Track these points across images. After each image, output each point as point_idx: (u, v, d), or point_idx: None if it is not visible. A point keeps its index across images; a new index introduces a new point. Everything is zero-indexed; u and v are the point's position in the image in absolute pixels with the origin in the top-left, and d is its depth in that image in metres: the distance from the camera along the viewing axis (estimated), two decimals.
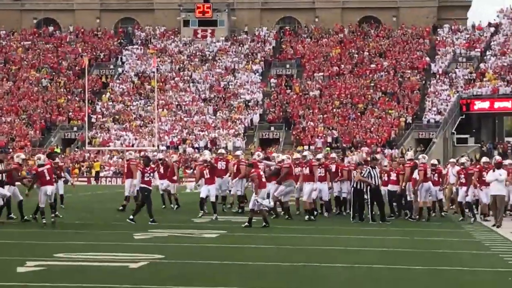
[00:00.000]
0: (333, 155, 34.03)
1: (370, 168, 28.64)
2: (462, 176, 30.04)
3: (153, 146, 74.37)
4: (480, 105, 78.18)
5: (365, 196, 28.74)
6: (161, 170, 33.39)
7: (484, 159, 31.92)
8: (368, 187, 28.29)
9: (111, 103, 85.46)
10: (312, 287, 14.50)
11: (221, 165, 31.37)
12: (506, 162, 31.37)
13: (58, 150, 72.52)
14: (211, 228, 25.17)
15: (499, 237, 23.94)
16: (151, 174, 26.96)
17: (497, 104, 77.76)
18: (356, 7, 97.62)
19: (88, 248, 19.73)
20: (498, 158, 30.49)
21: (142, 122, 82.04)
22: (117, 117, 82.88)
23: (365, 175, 28.51)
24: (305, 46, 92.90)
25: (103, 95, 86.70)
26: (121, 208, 32.11)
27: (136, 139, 78.99)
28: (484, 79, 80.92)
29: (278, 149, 72.49)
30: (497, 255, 19.48)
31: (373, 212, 28.23)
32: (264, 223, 25.21)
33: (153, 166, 28.15)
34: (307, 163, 29.11)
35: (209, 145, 74.22)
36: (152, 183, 27.28)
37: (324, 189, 29.35)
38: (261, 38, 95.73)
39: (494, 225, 27.30)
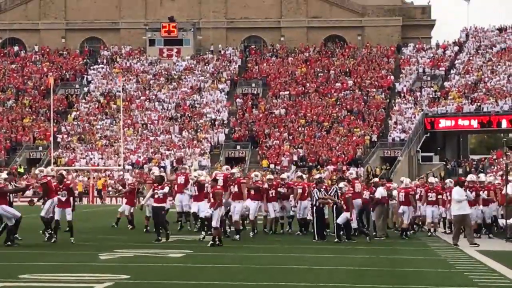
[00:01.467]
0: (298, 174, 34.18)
1: (337, 187, 28.74)
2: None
3: (119, 165, 74.23)
4: (445, 123, 78.59)
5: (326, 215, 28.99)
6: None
7: (449, 181, 32.44)
8: (335, 206, 28.33)
9: (76, 122, 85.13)
10: None
11: (180, 180, 31.41)
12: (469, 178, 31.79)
13: (22, 170, 72.08)
14: (177, 247, 25.09)
15: (464, 255, 24.05)
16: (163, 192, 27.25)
17: (462, 122, 78.19)
18: (321, 26, 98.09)
19: (53, 269, 19.59)
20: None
21: (108, 141, 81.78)
22: (82, 136, 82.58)
23: (331, 194, 28.58)
24: (271, 65, 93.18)
25: (69, 115, 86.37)
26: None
27: (101, 158, 78.71)
28: (449, 97, 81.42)
29: (244, 168, 72.57)
30: (462, 273, 19.55)
31: (340, 231, 28.26)
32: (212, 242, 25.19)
33: (166, 183, 28.13)
34: (234, 181, 29.07)
35: (175, 164, 74.01)
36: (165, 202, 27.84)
37: (252, 207, 29.39)
38: (227, 57, 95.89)
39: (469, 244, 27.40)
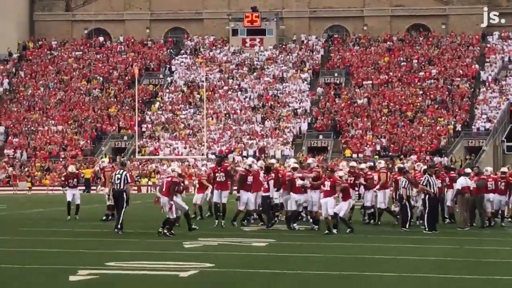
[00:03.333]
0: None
1: (428, 176, 28.28)
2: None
3: (202, 155, 74.65)
4: None
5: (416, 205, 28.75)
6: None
7: None
8: (427, 196, 27.97)
9: (160, 112, 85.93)
10: None
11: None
12: None
13: (107, 159, 73.11)
14: (260, 236, 25.21)
15: None
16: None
17: None
18: (404, 15, 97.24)
19: (138, 256, 19.87)
20: None
21: (191, 131, 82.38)
22: (166, 126, 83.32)
23: (424, 183, 28.20)
24: (354, 54, 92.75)
25: (153, 105, 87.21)
26: (104, 218, 31.45)
27: (185, 148, 79.32)
28: None
29: (327, 157, 72.54)
30: None
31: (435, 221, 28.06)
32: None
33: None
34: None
35: (257, 154, 74.22)
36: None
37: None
38: (310, 47, 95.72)
39: None
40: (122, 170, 27.08)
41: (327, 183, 26.57)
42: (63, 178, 35.03)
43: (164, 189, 25.44)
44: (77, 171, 37.48)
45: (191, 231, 25.52)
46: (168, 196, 25.13)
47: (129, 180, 27.34)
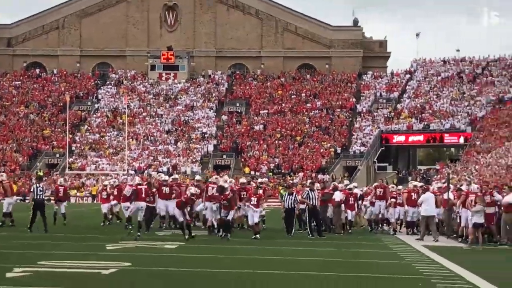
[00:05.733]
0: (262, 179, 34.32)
1: (309, 190, 28.74)
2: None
3: (123, 170, 74.01)
4: (397, 139, 78.79)
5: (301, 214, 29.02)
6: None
7: (414, 183, 32.66)
8: (307, 207, 28.34)
9: (88, 134, 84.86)
10: None
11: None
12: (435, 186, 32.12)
13: (41, 173, 71.74)
14: (172, 240, 25.05)
15: (412, 249, 24.13)
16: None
17: (411, 138, 78.45)
18: (295, 56, 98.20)
19: (66, 257, 19.52)
20: (420, 184, 31.45)
21: (114, 150, 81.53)
22: (93, 146, 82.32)
23: (304, 196, 28.60)
24: (252, 88, 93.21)
25: (82, 127, 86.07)
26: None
27: (109, 164, 78.48)
28: (401, 117, 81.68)
29: (229, 174, 72.54)
30: (410, 264, 19.61)
31: (311, 228, 28.33)
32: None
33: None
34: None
35: (170, 170, 73.83)
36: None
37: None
38: (216, 81, 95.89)
39: (418, 239, 27.63)
40: (41, 183, 27.71)
41: (254, 198, 27.16)
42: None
43: (143, 195, 25.75)
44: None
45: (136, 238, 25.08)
46: (145, 201, 25.54)
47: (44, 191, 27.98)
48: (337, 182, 36.03)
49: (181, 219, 25.44)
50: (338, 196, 30.49)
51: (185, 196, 26.30)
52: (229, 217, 26.37)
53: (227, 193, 26.70)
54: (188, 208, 25.68)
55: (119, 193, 32.11)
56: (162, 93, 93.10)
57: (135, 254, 20.49)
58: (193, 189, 26.38)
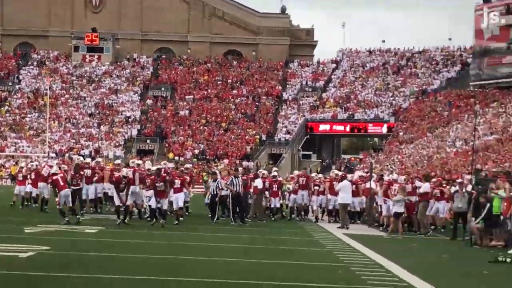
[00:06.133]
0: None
1: (233, 177, 28.77)
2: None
3: (44, 153, 72.93)
4: (322, 128, 79.45)
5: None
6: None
7: (335, 172, 33.03)
8: (230, 193, 28.37)
9: (8, 115, 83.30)
10: (177, 276, 14.44)
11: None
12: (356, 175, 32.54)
13: None
14: (92, 224, 24.80)
15: (334, 237, 24.40)
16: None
17: (336, 127, 79.21)
18: (222, 42, 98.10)
19: None
20: (341, 173, 31.79)
21: (35, 132, 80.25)
22: (13, 127, 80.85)
23: (228, 183, 28.60)
24: (178, 72, 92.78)
25: (2, 108, 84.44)
26: None
27: (29, 146, 77.20)
28: (326, 106, 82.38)
29: (152, 159, 72.09)
30: (331, 252, 19.83)
31: (235, 215, 28.39)
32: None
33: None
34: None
35: (93, 154, 73.05)
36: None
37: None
38: (141, 64, 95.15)
39: (340, 227, 27.94)
40: None
41: (177, 181, 26.82)
42: None
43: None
44: None
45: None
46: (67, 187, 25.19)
47: None
48: (263, 169, 36.07)
49: (117, 202, 25.30)
50: (259, 183, 30.59)
51: (117, 177, 26.11)
52: (164, 206, 25.96)
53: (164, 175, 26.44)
54: (125, 192, 25.37)
55: (37, 177, 31.81)
56: (85, 75, 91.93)
57: (54, 238, 20.23)
58: (125, 171, 26.08)
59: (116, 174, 26.96)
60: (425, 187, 27.62)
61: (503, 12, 70.30)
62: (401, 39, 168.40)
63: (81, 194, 28.79)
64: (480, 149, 52.62)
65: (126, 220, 25.04)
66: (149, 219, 26.36)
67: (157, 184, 25.60)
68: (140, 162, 29.57)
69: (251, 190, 30.55)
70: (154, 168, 27.91)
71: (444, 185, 29.59)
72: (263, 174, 32.72)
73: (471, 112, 62.34)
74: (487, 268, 17.60)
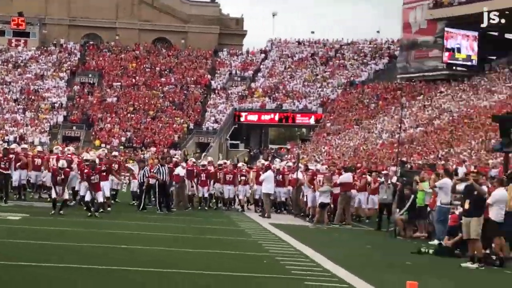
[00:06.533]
0: None
1: (160, 165, 28.67)
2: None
3: None
4: (250, 117, 79.63)
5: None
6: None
7: (261, 161, 33.16)
8: (157, 182, 28.24)
9: None
10: (99, 264, 14.27)
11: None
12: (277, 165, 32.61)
13: None
14: (16, 211, 24.36)
15: (260, 227, 24.48)
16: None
17: (264, 117, 79.49)
18: (151, 29, 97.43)
19: None
20: (266, 163, 31.92)
21: None
22: None
23: (154, 172, 28.45)
24: (106, 59, 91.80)
25: None
26: None
27: None
28: (255, 96, 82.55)
29: (79, 146, 71.22)
30: (256, 241, 19.87)
31: (162, 204, 28.25)
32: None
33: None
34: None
35: (18, 140, 71.80)
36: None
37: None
38: (68, 50, 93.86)
39: (261, 215, 28.08)
40: None
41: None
42: None
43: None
44: None
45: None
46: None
47: None
48: (190, 157, 36.00)
49: (53, 195, 24.81)
50: (181, 171, 30.40)
51: (54, 168, 25.69)
52: (100, 199, 25.44)
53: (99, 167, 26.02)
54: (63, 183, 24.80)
55: None
56: (11, 60, 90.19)
57: None
58: (61, 162, 25.56)
59: (53, 165, 26.54)
60: (345, 177, 27.62)
61: (431, 6, 71.39)
62: (330, 31, 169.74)
63: (9, 179, 28.20)
64: (406, 142, 53.47)
65: (61, 211, 24.49)
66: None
67: (91, 177, 25.16)
68: (72, 148, 29.16)
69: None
70: (90, 157, 27.54)
71: (366, 176, 29.98)
72: (194, 163, 32.67)
73: (398, 104, 63.20)
74: (410, 259, 17.88)
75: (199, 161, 36.87)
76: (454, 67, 72.16)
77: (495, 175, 26.72)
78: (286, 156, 65.38)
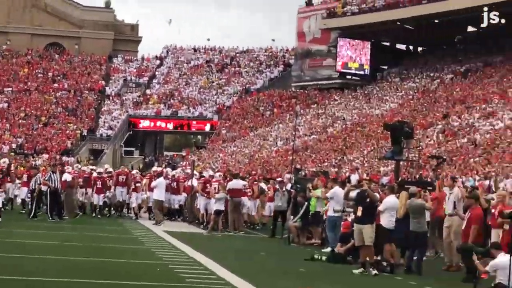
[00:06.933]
0: None
1: (51, 172, 28.13)
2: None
3: None
4: (145, 124, 79.19)
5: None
6: None
7: (154, 169, 33.14)
8: (48, 189, 27.70)
9: None
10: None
11: None
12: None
13: None
14: None
15: (153, 234, 24.29)
16: None
17: (159, 124, 79.17)
18: (44, 34, 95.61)
19: None
20: (159, 169, 31.86)
21: None
22: None
23: (46, 179, 27.86)
24: None
25: None
26: None
27: None
28: (150, 102, 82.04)
29: None
30: (150, 249, 19.68)
31: (54, 212, 27.77)
32: None
33: None
34: None
35: None
36: None
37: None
38: None
39: (154, 224, 27.93)
40: None
41: None
42: None
43: None
44: None
45: None
46: None
47: None
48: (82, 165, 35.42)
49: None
50: (68, 177, 29.85)
51: None
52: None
53: None
54: None
55: None
56: None
57: None
58: None
59: None
60: (233, 183, 27.56)
61: (325, 15, 72.45)
62: (226, 39, 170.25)
63: None
64: (300, 149, 54.03)
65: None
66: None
67: None
68: None
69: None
70: None
71: (258, 183, 30.29)
72: (92, 170, 32.37)
73: (293, 112, 63.87)
74: (304, 266, 18.00)
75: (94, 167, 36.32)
76: (347, 76, 73.47)
77: (386, 183, 27.25)
78: (181, 163, 65.16)
